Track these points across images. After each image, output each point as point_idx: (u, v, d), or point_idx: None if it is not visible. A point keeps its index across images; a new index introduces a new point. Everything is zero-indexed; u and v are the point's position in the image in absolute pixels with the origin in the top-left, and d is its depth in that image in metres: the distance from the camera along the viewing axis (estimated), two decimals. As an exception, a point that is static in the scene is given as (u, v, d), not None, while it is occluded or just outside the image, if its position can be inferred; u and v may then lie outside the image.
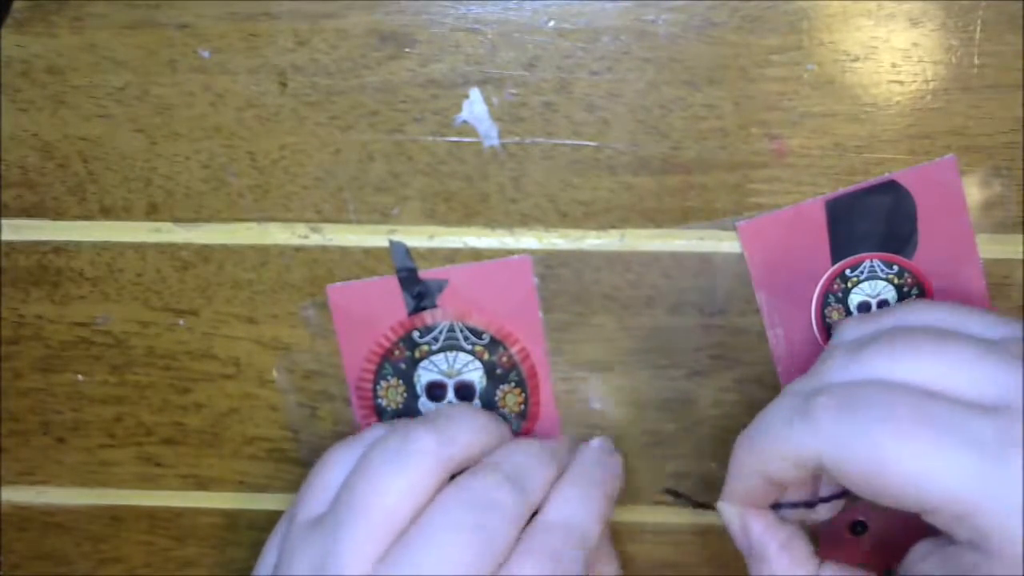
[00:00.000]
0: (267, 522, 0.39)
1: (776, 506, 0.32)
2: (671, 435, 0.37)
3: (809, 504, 0.32)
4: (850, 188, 0.34)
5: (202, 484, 0.39)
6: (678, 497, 0.36)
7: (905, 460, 0.26)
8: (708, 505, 0.34)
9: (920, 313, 0.30)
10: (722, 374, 0.36)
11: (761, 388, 0.36)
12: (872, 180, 0.34)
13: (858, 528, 0.36)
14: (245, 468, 0.38)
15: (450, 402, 0.36)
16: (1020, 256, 0.35)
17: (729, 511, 0.32)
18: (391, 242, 0.35)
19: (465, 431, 0.32)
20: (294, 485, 0.38)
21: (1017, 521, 0.25)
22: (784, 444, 0.28)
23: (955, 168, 0.34)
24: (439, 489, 0.30)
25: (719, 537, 0.38)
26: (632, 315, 0.36)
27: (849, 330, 0.31)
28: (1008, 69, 0.33)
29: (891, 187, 0.34)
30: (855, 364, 0.29)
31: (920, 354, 0.28)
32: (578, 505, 0.32)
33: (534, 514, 0.31)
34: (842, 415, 0.27)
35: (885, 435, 0.26)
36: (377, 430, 0.33)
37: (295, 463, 0.38)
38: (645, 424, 0.37)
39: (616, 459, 0.35)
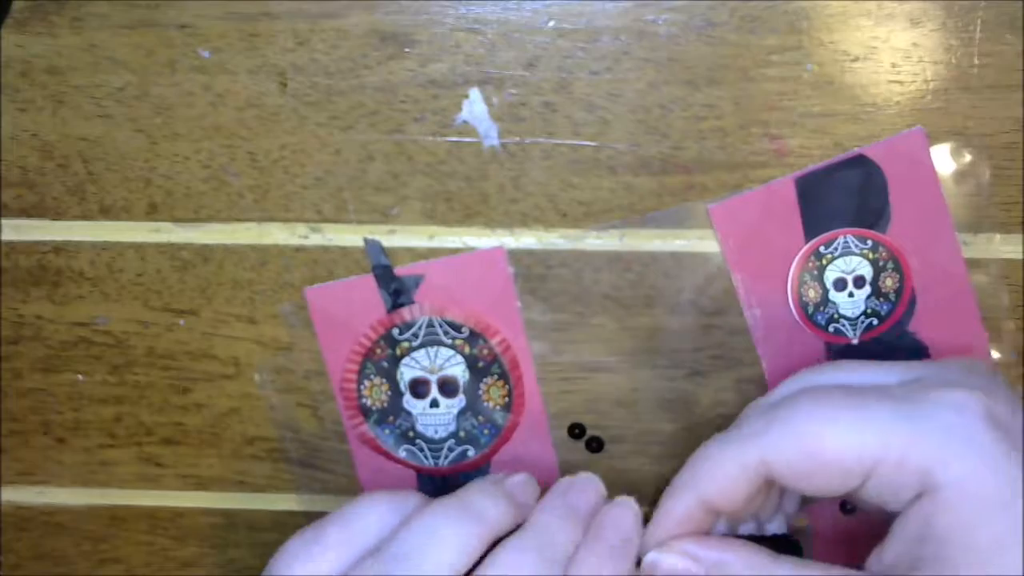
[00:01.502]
0: (267, 522, 0.39)
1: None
2: (671, 435, 0.37)
3: (753, 541, 0.31)
4: (820, 164, 0.34)
5: (202, 484, 0.39)
6: None
7: (837, 430, 0.28)
8: None
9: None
10: (722, 374, 0.36)
11: (761, 388, 0.36)
12: (841, 155, 0.34)
13: (847, 506, 0.37)
14: (245, 468, 0.38)
15: (435, 400, 0.36)
16: (1020, 256, 0.35)
17: (655, 553, 0.30)
18: (366, 240, 0.35)
19: (444, 559, 0.29)
20: (293, 485, 0.38)
21: (949, 445, 0.27)
22: (723, 460, 0.29)
23: (923, 140, 0.34)
24: None
25: (719, 537, 0.38)
26: (632, 315, 0.36)
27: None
28: (1008, 69, 0.33)
29: (860, 161, 0.34)
30: (774, 393, 0.32)
31: (827, 368, 0.32)
32: None
33: None
34: (773, 415, 0.29)
35: (815, 417, 0.28)
36: (333, 529, 0.30)
37: (295, 463, 0.38)
38: (645, 424, 0.37)
39: (638, 534, 0.31)
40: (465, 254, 0.35)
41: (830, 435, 0.28)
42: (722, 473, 0.29)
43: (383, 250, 0.35)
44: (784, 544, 0.32)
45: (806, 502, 0.34)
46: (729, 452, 0.29)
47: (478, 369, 0.36)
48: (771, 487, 0.31)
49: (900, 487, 0.28)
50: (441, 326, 0.36)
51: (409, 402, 0.37)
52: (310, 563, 0.30)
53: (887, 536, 0.29)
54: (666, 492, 0.30)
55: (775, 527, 0.33)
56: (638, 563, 0.30)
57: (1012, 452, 0.27)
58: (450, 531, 0.29)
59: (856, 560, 0.30)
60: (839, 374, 0.31)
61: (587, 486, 0.32)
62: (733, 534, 0.32)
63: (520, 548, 0.30)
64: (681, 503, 0.30)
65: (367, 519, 0.31)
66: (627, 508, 0.31)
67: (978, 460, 0.27)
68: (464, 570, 0.29)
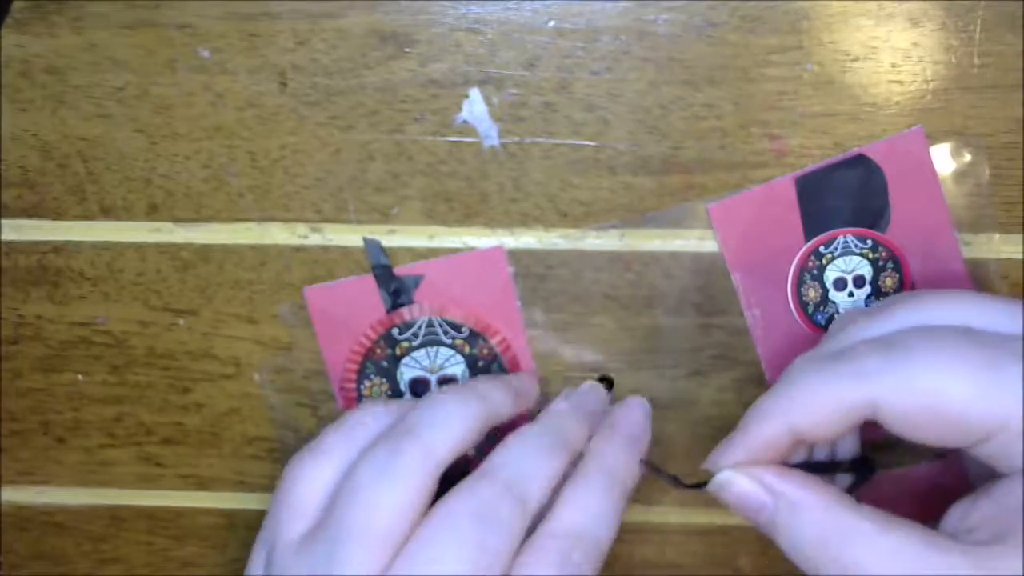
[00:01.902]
0: (267, 522, 0.39)
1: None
2: (671, 435, 0.37)
3: (828, 468, 0.30)
4: (820, 164, 0.34)
5: (202, 484, 0.39)
6: (657, 472, 0.32)
7: (960, 388, 0.25)
8: (690, 485, 0.30)
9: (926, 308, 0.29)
10: (722, 374, 0.36)
11: (761, 388, 0.36)
12: (841, 155, 0.34)
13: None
14: (245, 468, 0.38)
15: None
16: (1020, 256, 0.35)
17: (732, 473, 0.28)
18: (365, 239, 0.35)
19: (449, 432, 0.30)
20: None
21: None
22: (827, 394, 0.27)
23: (923, 140, 0.34)
24: (432, 491, 0.30)
25: (719, 537, 0.38)
26: (632, 315, 0.36)
27: (854, 311, 0.31)
28: (1008, 69, 0.33)
29: (860, 161, 0.34)
30: (880, 320, 0.28)
31: (942, 302, 0.28)
32: (594, 510, 0.30)
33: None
34: (891, 354, 0.26)
35: (936, 368, 0.26)
36: (334, 437, 0.32)
37: (295, 463, 0.38)
38: (645, 424, 0.37)
39: (646, 434, 0.33)
40: (465, 254, 0.35)
41: (956, 391, 0.25)
42: (823, 407, 0.27)
43: (383, 250, 0.35)
44: (859, 465, 0.30)
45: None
46: (835, 386, 0.27)
47: (478, 369, 0.36)
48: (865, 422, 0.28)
49: (1016, 455, 0.25)
50: (441, 326, 0.36)
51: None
52: (316, 471, 0.31)
53: (979, 494, 0.27)
54: (751, 412, 0.28)
55: (848, 446, 0.31)
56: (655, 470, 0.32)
57: None
58: (455, 407, 0.31)
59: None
60: (961, 310, 0.28)
61: (597, 390, 0.34)
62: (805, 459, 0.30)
63: (534, 432, 0.31)
64: (768, 428, 0.27)
65: (365, 421, 0.32)
66: (637, 406, 0.33)
67: None
68: (469, 443, 0.31)
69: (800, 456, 0.30)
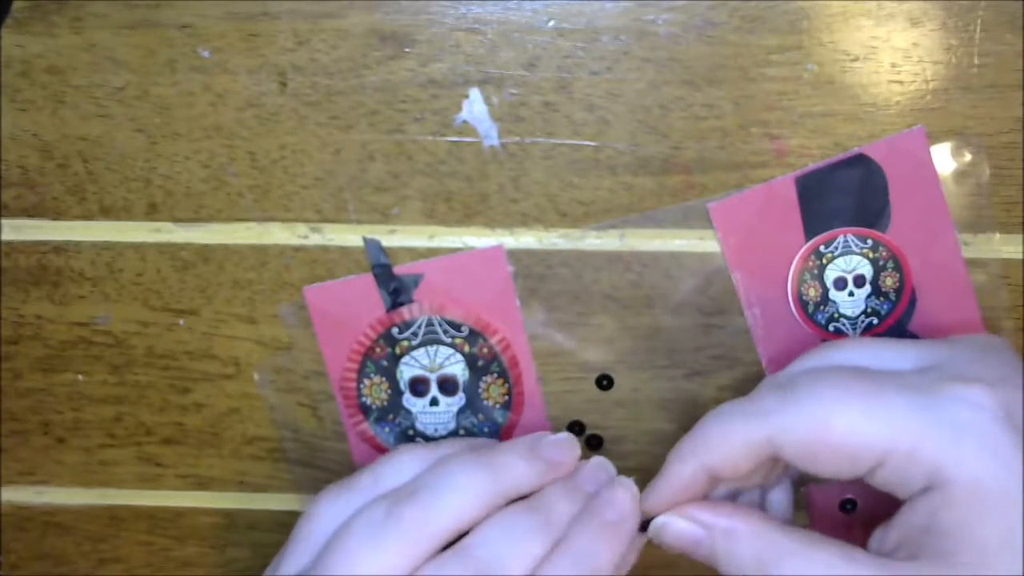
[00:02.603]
0: (267, 522, 0.39)
1: None
2: (671, 435, 0.37)
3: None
4: (820, 163, 0.34)
5: (202, 484, 0.39)
6: None
7: (849, 418, 0.28)
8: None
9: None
10: (722, 374, 0.36)
11: (761, 388, 0.36)
12: (841, 155, 0.34)
13: (848, 506, 0.37)
14: (245, 468, 0.38)
15: (434, 398, 0.36)
16: (1020, 256, 0.35)
17: (665, 516, 0.30)
18: (365, 239, 0.35)
19: (450, 505, 0.30)
20: (293, 485, 0.38)
21: (963, 444, 0.27)
22: (731, 434, 0.29)
23: (924, 139, 0.34)
24: (423, 562, 0.29)
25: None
26: (632, 315, 0.36)
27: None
28: (1008, 69, 0.33)
29: (861, 160, 0.34)
30: (788, 368, 0.32)
31: (843, 346, 0.32)
32: None
33: None
34: (785, 394, 0.29)
35: (827, 401, 0.28)
36: (367, 480, 0.32)
37: (295, 463, 0.38)
38: (645, 424, 0.37)
39: (632, 519, 0.31)
40: (464, 253, 0.35)
41: (841, 421, 0.28)
42: (728, 446, 0.29)
43: (383, 249, 0.35)
44: None
45: (810, 479, 0.34)
46: (737, 425, 0.29)
47: (478, 368, 0.36)
48: (777, 461, 0.31)
49: (909, 478, 0.27)
50: (440, 325, 0.36)
51: (409, 401, 0.37)
52: (334, 508, 0.31)
53: (892, 520, 0.28)
54: (671, 454, 0.30)
55: (779, 495, 0.32)
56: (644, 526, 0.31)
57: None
58: (465, 479, 0.30)
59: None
60: (855, 353, 0.31)
61: (595, 470, 0.33)
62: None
63: (520, 512, 0.31)
64: (685, 468, 0.30)
65: (400, 467, 0.32)
66: (625, 489, 0.32)
67: (990, 460, 0.27)
68: (477, 516, 0.30)
69: (721, 494, 0.32)
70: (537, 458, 0.31)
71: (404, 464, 0.32)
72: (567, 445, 0.32)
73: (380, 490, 0.31)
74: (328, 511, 0.31)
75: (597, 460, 0.32)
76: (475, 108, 0.34)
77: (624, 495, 0.31)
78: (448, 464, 0.31)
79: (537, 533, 0.30)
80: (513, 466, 0.31)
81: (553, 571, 0.29)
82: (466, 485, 0.30)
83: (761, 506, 0.32)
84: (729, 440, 0.29)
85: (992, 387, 0.28)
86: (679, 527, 0.30)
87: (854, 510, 0.37)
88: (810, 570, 0.28)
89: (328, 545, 0.30)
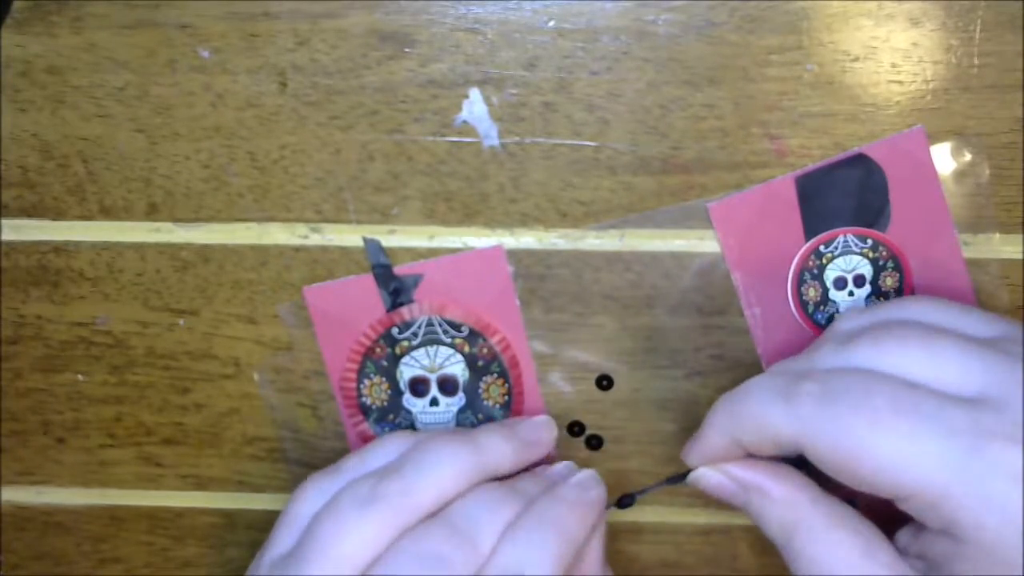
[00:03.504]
0: (267, 522, 0.39)
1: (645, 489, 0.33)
2: (671, 435, 0.37)
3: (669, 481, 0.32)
4: (820, 163, 0.34)
5: (202, 484, 0.39)
6: (646, 491, 0.34)
7: (880, 448, 0.27)
8: (674, 478, 0.33)
9: (915, 308, 0.30)
10: (722, 374, 0.36)
11: (761, 388, 0.36)
12: (841, 154, 0.34)
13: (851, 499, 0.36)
14: (245, 468, 0.38)
15: (434, 398, 0.36)
16: (1020, 256, 0.35)
17: (703, 469, 0.31)
18: (365, 239, 0.35)
19: (432, 479, 0.31)
20: (293, 485, 0.38)
21: (988, 510, 0.26)
22: (764, 422, 0.29)
23: (924, 139, 0.34)
24: (404, 534, 0.30)
25: (719, 537, 0.38)
26: (632, 315, 0.36)
27: (845, 321, 0.31)
28: (1008, 69, 0.33)
29: (860, 160, 0.34)
30: (843, 352, 0.29)
31: (906, 346, 0.29)
32: (526, 550, 0.30)
33: None
34: (823, 402, 0.28)
35: (861, 424, 0.27)
36: (353, 462, 0.33)
37: (295, 463, 0.38)
38: (645, 424, 0.37)
39: (596, 491, 0.33)
40: (464, 253, 0.35)
41: (872, 455, 0.27)
42: (759, 434, 0.29)
43: (382, 250, 0.35)
44: None
45: None
46: (772, 420, 0.29)
47: (477, 368, 0.36)
48: None
49: (928, 520, 0.27)
50: (440, 325, 0.36)
51: (409, 401, 0.37)
52: (320, 490, 0.32)
53: (913, 532, 0.29)
54: (709, 417, 0.31)
55: None
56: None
57: None
58: (447, 455, 0.31)
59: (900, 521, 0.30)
60: (914, 361, 0.28)
61: (566, 466, 0.34)
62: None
63: (495, 485, 0.32)
64: (719, 439, 0.30)
65: (386, 449, 0.33)
66: (590, 474, 0.33)
67: (1014, 531, 0.26)
68: (456, 492, 0.31)
69: None
70: (515, 437, 0.33)
71: (391, 447, 0.33)
72: (544, 426, 0.34)
73: (366, 471, 0.32)
74: (315, 493, 0.32)
75: (566, 463, 0.34)
76: (475, 108, 0.34)
77: (588, 473, 0.33)
78: (431, 442, 0.32)
79: (508, 503, 0.31)
80: (493, 443, 0.32)
81: (518, 532, 0.30)
82: (449, 461, 0.31)
83: None
84: (761, 428, 0.29)
85: None
86: (714, 480, 0.31)
87: (855, 506, 0.37)
88: (826, 555, 0.28)
89: (315, 518, 0.31)
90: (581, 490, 0.32)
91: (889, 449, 0.27)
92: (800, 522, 0.29)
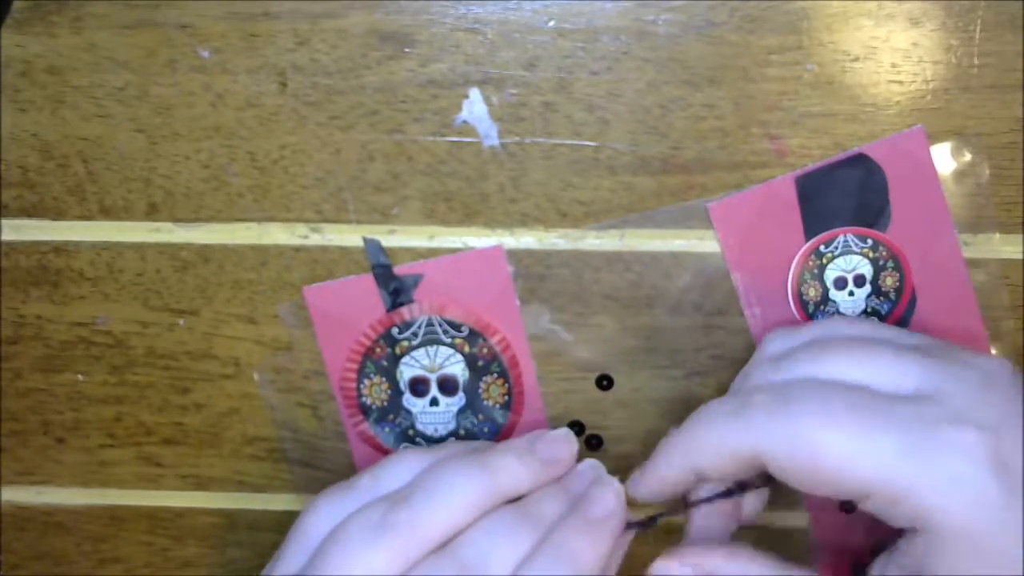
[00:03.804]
0: (267, 522, 0.39)
1: (690, 504, 0.32)
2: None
3: (728, 493, 0.32)
4: (820, 163, 0.34)
5: (202, 484, 0.39)
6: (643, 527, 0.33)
7: (837, 447, 0.27)
8: (642, 523, 0.32)
9: (840, 325, 0.32)
10: (722, 374, 0.36)
11: (761, 388, 0.36)
12: (841, 154, 0.34)
13: (847, 506, 0.37)
14: (245, 468, 0.38)
15: (434, 398, 0.36)
16: (1020, 256, 0.35)
17: (663, 561, 0.31)
18: (365, 239, 0.35)
19: (443, 508, 0.30)
20: (293, 485, 0.38)
21: (951, 492, 0.26)
22: (720, 441, 0.29)
23: (924, 139, 0.34)
24: (414, 564, 0.29)
25: (719, 537, 0.38)
26: (632, 315, 0.36)
27: (772, 345, 0.32)
28: (1008, 69, 0.33)
29: (860, 160, 0.34)
30: (784, 367, 0.30)
31: (844, 354, 0.30)
32: None
33: None
34: (775, 411, 0.28)
35: (816, 426, 0.28)
36: (366, 482, 0.32)
37: (295, 463, 0.38)
38: (645, 424, 0.37)
39: (616, 517, 0.31)
40: (464, 253, 0.35)
41: (829, 453, 0.27)
42: (716, 453, 0.29)
43: (382, 250, 0.35)
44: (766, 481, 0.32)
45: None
46: (726, 435, 0.29)
47: (478, 368, 0.36)
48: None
49: (893, 517, 0.27)
50: (440, 325, 0.36)
51: (409, 401, 0.37)
52: (332, 508, 0.31)
53: (892, 553, 0.29)
54: (659, 451, 0.31)
55: (752, 498, 0.33)
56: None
57: (1015, 501, 0.26)
58: (461, 481, 0.30)
59: (858, 556, 0.30)
60: (857, 366, 0.29)
61: (585, 472, 0.33)
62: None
63: (508, 512, 0.31)
64: (672, 468, 0.31)
65: (399, 469, 0.32)
66: (610, 487, 0.32)
67: (981, 511, 0.26)
68: (469, 520, 0.30)
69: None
70: (533, 458, 0.32)
71: (404, 466, 0.32)
72: (564, 441, 0.32)
73: (379, 492, 0.31)
74: (326, 511, 0.31)
75: (588, 462, 0.33)
76: (475, 108, 0.34)
77: (609, 493, 0.31)
78: (444, 466, 0.31)
79: (522, 533, 0.30)
80: (509, 467, 0.31)
81: (534, 568, 0.29)
82: (461, 487, 0.30)
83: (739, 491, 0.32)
84: (717, 448, 0.29)
85: (988, 431, 0.27)
86: (676, 573, 0.31)
87: (853, 510, 0.37)
88: None
89: (324, 544, 0.30)
90: (600, 512, 0.31)
91: (845, 446, 0.27)
92: None
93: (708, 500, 0.32)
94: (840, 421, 0.28)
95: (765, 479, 0.31)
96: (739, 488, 0.32)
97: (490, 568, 0.29)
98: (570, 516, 0.31)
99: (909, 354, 0.30)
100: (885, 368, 0.29)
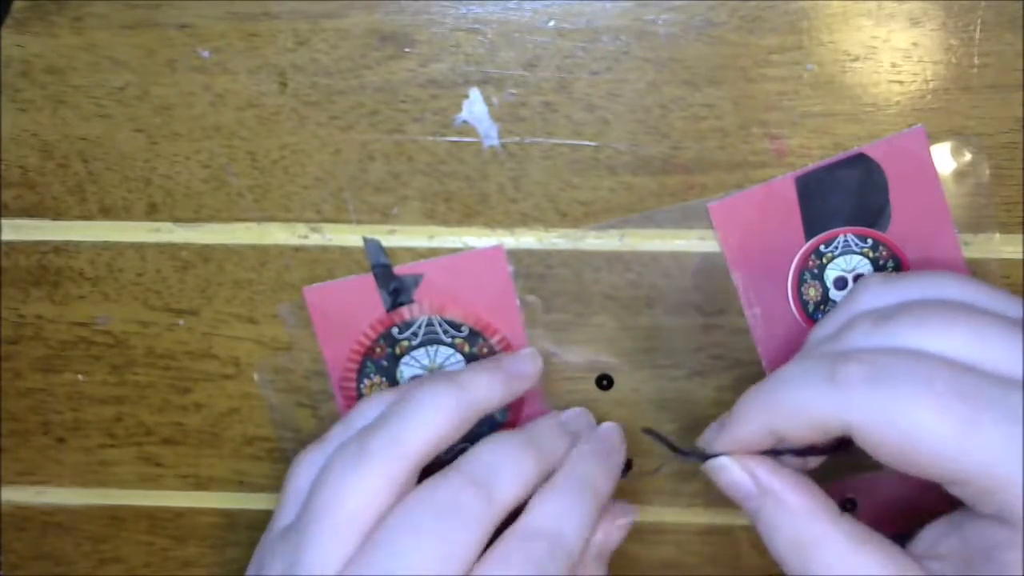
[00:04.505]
0: (267, 522, 0.39)
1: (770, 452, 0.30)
2: (671, 435, 0.37)
3: (802, 453, 0.30)
4: (820, 163, 0.34)
5: (202, 484, 0.39)
6: (659, 439, 0.32)
7: (941, 433, 0.25)
8: (688, 452, 0.31)
9: (947, 287, 0.29)
10: (722, 374, 0.36)
11: (761, 388, 0.36)
12: (841, 154, 0.34)
13: (847, 505, 0.37)
14: (245, 468, 0.38)
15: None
16: (1020, 256, 0.35)
17: (727, 460, 0.29)
18: (365, 239, 0.35)
19: (418, 423, 0.30)
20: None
21: None
22: (807, 407, 0.27)
23: (924, 139, 0.34)
24: (407, 487, 0.30)
25: (721, 537, 0.38)
26: (632, 315, 0.36)
27: (870, 296, 0.30)
28: (1008, 69, 0.33)
29: (860, 160, 0.34)
30: (883, 332, 0.28)
31: (952, 327, 0.27)
32: (564, 513, 0.30)
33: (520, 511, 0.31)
34: (876, 385, 0.26)
35: (920, 408, 0.26)
36: (339, 429, 0.33)
37: (295, 463, 0.38)
38: (645, 424, 0.37)
39: (620, 452, 0.34)
40: (464, 253, 0.35)
41: (930, 442, 0.25)
42: (802, 421, 0.27)
43: (382, 249, 0.35)
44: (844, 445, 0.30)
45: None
46: (816, 404, 0.27)
47: (478, 369, 0.36)
48: None
49: (980, 504, 0.26)
50: (440, 325, 0.36)
51: (409, 402, 0.37)
52: (314, 460, 0.32)
53: (952, 523, 0.27)
54: (740, 406, 0.29)
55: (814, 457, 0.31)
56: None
57: None
58: (430, 397, 0.31)
59: (896, 526, 0.29)
60: (965, 342, 0.27)
61: (585, 415, 0.35)
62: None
63: (508, 434, 0.32)
64: (752, 427, 0.29)
65: (366, 411, 0.33)
66: (612, 428, 0.34)
67: None
68: (448, 433, 0.31)
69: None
70: (501, 372, 0.33)
71: (373, 404, 0.33)
72: (529, 357, 0.35)
73: (353, 432, 0.32)
74: (308, 464, 0.32)
75: (578, 409, 0.34)
76: (475, 108, 0.34)
77: (613, 431, 0.34)
78: (412, 388, 0.32)
79: (528, 453, 0.31)
80: (477, 379, 0.32)
81: (557, 494, 0.30)
82: (432, 402, 0.31)
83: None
84: (804, 414, 0.27)
85: None
86: (735, 476, 0.29)
87: (854, 509, 0.37)
88: (842, 569, 0.26)
89: (312, 487, 0.30)
90: (608, 445, 0.32)
91: (950, 433, 0.25)
92: (817, 538, 0.27)
93: (795, 453, 0.30)
94: (946, 406, 0.25)
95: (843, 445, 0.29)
96: (829, 450, 0.30)
97: (499, 482, 0.30)
98: (581, 447, 0.32)
99: (1019, 332, 0.27)
100: (996, 346, 0.27)
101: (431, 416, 0.31)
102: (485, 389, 0.32)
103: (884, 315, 0.28)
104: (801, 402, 0.27)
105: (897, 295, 0.29)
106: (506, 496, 0.30)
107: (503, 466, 0.30)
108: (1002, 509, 0.25)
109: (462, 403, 0.31)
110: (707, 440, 0.30)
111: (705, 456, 0.30)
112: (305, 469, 0.32)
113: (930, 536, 0.28)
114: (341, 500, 0.29)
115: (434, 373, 0.34)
